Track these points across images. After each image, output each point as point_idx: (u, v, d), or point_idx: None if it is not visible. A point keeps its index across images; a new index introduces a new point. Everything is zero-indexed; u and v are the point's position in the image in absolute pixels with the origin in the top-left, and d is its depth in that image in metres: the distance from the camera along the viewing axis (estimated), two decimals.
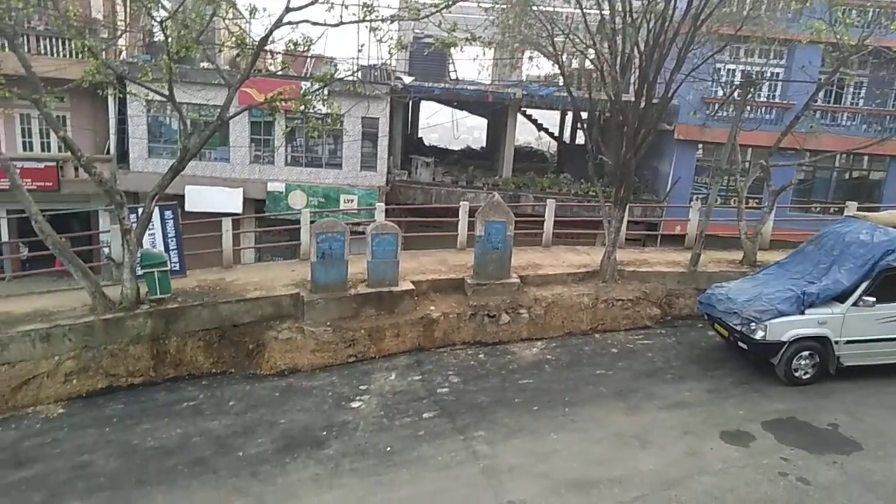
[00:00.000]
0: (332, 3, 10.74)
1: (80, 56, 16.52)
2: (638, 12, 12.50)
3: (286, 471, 8.18)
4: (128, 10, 18.98)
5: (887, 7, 15.32)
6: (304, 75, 19.52)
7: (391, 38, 11.50)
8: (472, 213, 14.06)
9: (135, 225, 11.14)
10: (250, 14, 11.22)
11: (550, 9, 14.94)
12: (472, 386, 10.35)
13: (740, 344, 10.43)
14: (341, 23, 10.89)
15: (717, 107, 17.57)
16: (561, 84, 18.32)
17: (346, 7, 10.86)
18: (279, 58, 19.31)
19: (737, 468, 8.07)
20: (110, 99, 18.44)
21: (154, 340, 10.86)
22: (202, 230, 14.25)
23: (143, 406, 9.91)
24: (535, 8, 14.03)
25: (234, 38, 11.57)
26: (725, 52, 17.14)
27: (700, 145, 21.20)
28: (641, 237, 19.03)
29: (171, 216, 12.76)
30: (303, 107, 11.93)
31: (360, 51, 20.62)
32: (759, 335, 10.05)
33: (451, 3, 10.94)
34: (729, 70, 20.71)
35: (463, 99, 23.25)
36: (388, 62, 19.40)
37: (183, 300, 11.38)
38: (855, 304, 10.02)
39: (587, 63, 17.39)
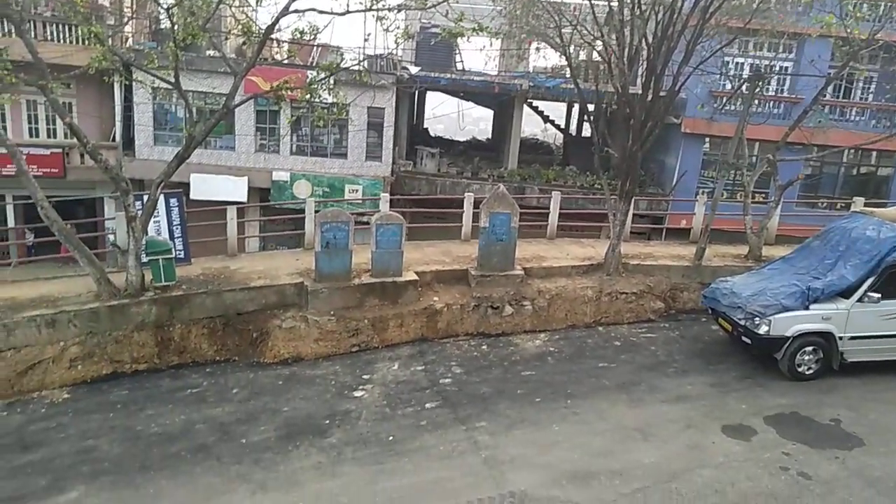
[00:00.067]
0: None
1: (86, 42, 16.49)
2: (646, 4, 12.41)
3: (289, 458, 8.23)
4: None
5: None
6: (311, 64, 19.48)
7: (398, 28, 11.45)
8: (476, 204, 14.04)
9: (140, 212, 11.16)
10: (256, 2, 11.18)
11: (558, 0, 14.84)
12: (475, 377, 10.38)
13: (744, 338, 10.42)
14: (348, 11, 10.85)
15: (724, 100, 17.48)
16: (568, 76, 18.24)
17: None
18: (285, 46, 19.30)
19: (738, 462, 8.09)
20: (116, 86, 18.41)
21: (158, 327, 10.91)
22: (207, 218, 14.29)
23: (148, 392, 9.97)
24: None
25: (240, 26, 11.53)
26: (734, 46, 17.02)
27: (707, 139, 21.09)
28: (646, 231, 18.98)
29: (177, 204, 12.79)
30: (308, 96, 11.90)
31: (366, 40, 20.49)
32: (762, 330, 10.03)
33: None
34: (737, 63, 20.55)
35: (469, 90, 23.16)
36: (395, 52, 19.33)
37: (187, 288, 11.42)
38: (860, 300, 9.99)
39: (594, 55, 17.32)
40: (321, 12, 10.75)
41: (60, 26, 18.68)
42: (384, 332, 11.57)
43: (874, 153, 21.40)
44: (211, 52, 18.54)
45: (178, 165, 11.10)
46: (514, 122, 22.75)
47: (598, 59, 15.74)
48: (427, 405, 9.48)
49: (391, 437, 8.65)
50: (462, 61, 23.55)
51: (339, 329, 11.34)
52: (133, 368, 10.59)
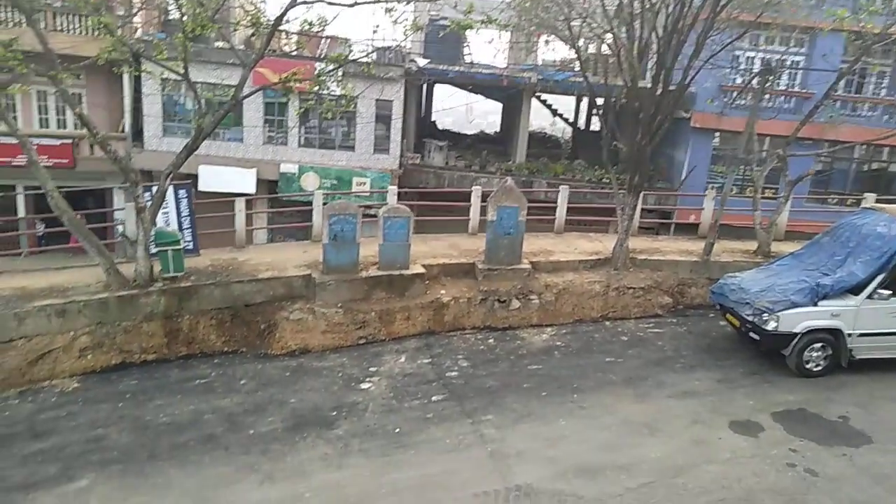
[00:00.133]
0: None
1: (96, 33, 16.53)
2: None
3: (296, 449, 8.28)
4: None
5: None
6: (319, 56, 19.46)
7: (406, 20, 11.42)
8: (484, 198, 14.02)
9: (149, 203, 11.21)
10: None
11: None
12: (482, 370, 10.39)
13: (752, 334, 10.39)
14: (356, 3, 10.82)
15: (735, 95, 17.36)
16: (577, 69, 18.14)
17: None
18: (294, 38, 19.29)
19: (745, 458, 8.08)
20: (126, 77, 18.48)
21: (167, 318, 10.97)
22: (215, 210, 14.31)
23: (157, 382, 10.04)
24: None
25: (248, 18, 11.52)
26: (745, 40, 16.87)
27: (717, 133, 20.96)
28: (655, 225, 18.91)
29: (185, 195, 12.84)
30: (317, 87, 11.90)
31: (375, 32, 20.45)
32: (770, 326, 10.00)
33: None
34: (748, 58, 20.40)
35: (478, 83, 23.09)
36: (403, 44, 19.27)
37: (196, 279, 11.48)
38: (870, 296, 9.93)
39: (604, 48, 17.21)
40: (330, 3, 10.73)
41: (70, 16, 18.73)
42: (391, 324, 11.59)
43: (886, 149, 21.22)
44: (220, 44, 18.58)
45: (186, 157, 11.13)
46: (522, 115, 22.68)
47: (608, 52, 15.63)
48: (433, 398, 9.51)
49: (398, 430, 8.69)
50: (471, 54, 23.50)
51: (346, 321, 11.37)
52: (142, 358, 10.66)
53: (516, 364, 10.64)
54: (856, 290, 10.02)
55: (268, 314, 11.43)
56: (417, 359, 10.77)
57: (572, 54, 16.77)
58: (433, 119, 30.43)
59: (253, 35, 14.78)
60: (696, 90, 18.49)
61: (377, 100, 19.99)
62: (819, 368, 10.10)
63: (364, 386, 9.88)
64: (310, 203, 14.74)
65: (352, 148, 20.92)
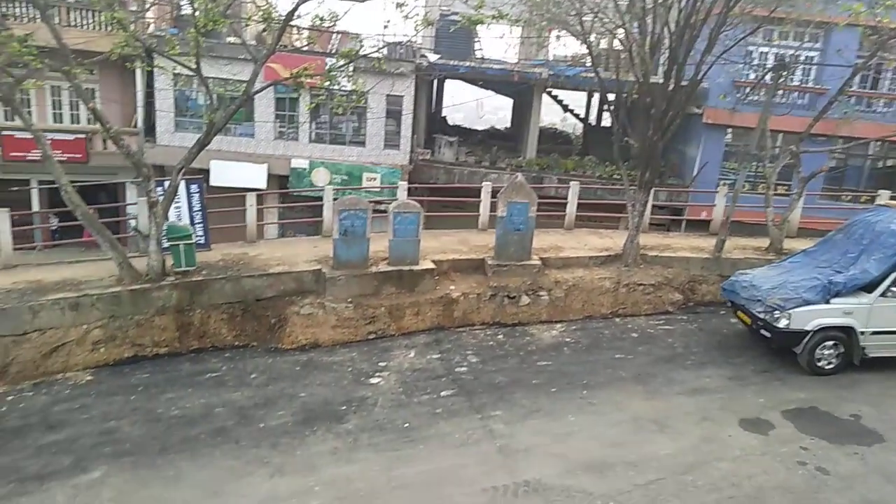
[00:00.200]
0: None
1: (109, 28, 16.64)
2: None
3: (306, 443, 8.33)
4: None
5: None
6: (330, 51, 19.48)
7: (417, 15, 11.40)
8: (494, 193, 14.01)
9: (161, 198, 11.28)
10: None
11: None
12: (491, 366, 10.40)
13: (763, 332, 10.33)
14: None
15: (748, 90, 17.21)
16: (588, 65, 18.06)
17: None
18: (305, 33, 19.32)
19: (755, 456, 8.05)
20: (138, 72, 18.57)
21: (179, 312, 11.06)
22: (227, 205, 14.41)
23: (168, 376, 10.13)
24: None
25: (260, 13, 11.55)
26: (758, 35, 16.73)
27: (729, 129, 20.80)
28: (666, 222, 18.82)
29: (197, 190, 12.92)
30: (328, 83, 11.91)
31: (385, 27, 20.42)
32: (782, 323, 9.93)
33: None
34: (761, 53, 20.21)
35: (488, 78, 23.02)
36: (414, 39, 19.25)
37: (207, 273, 11.55)
38: (883, 294, 9.85)
39: (616, 43, 17.13)
40: None
41: (84, 12, 18.86)
42: (401, 319, 11.62)
43: None
44: (231, 39, 18.63)
45: (198, 152, 11.19)
46: (533, 111, 22.61)
47: (620, 47, 15.55)
48: (443, 393, 9.54)
49: (407, 424, 8.72)
50: (481, 49, 23.42)
51: (356, 316, 11.41)
52: (154, 352, 10.76)
53: (525, 360, 10.64)
54: (869, 287, 9.93)
55: (278, 309, 11.49)
56: (427, 354, 10.80)
57: (584, 50, 16.69)
58: (443, 115, 30.39)
59: (264, 30, 14.84)
60: (709, 86, 18.34)
61: (388, 95, 19.99)
62: (831, 366, 10.04)
63: (373, 381, 9.92)
64: (320, 198, 14.79)
65: (362, 143, 20.95)
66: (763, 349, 10.78)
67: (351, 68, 11.95)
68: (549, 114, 29.89)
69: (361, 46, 13.58)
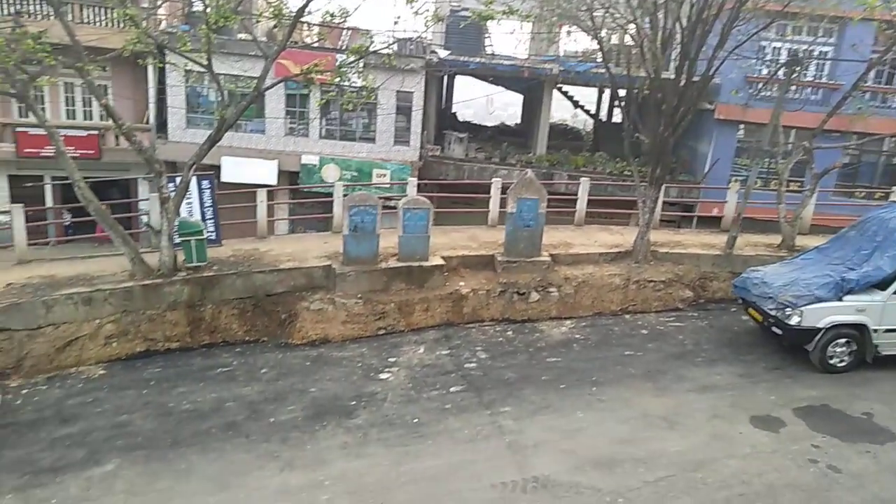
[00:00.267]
0: None
1: (121, 25, 16.74)
2: None
3: (315, 438, 8.38)
4: None
5: None
6: (340, 48, 19.51)
7: (427, 11, 11.39)
8: (504, 189, 13.99)
9: (173, 194, 11.35)
10: None
11: None
12: (500, 362, 10.41)
13: (774, 329, 10.26)
14: None
15: (760, 86, 17.07)
16: (599, 60, 17.97)
17: None
18: (315, 29, 19.35)
19: (766, 453, 8.01)
20: (150, 69, 18.68)
21: (190, 307, 11.14)
22: (237, 201, 14.48)
23: (180, 370, 10.21)
24: None
25: (271, 9, 11.59)
26: (771, 30, 16.58)
27: (741, 125, 20.64)
28: (676, 218, 18.72)
29: (208, 186, 12.99)
30: (338, 79, 11.93)
31: (396, 23, 20.41)
32: (794, 321, 9.87)
33: None
34: (774, 48, 20.03)
35: (498, 74, 22.98)
36: (424, 35, 19.23)
37: (218, 269, 11.62)
38: None
39: (627, 39, 17.02)
40: None
41: (96, 9, 18.98)
42: (410, 315, 11.65)
43: None
44: (242, 36, 18.69)
45: (209, 148, 11.25)
46: (543, 107, 22.55)
47: (631, 42, 15.46)
48: (452, 389, 9.56)
49: (416, 420, 8.74)
50: (492, 45, 23.36)
51: (365, 312, 11.45)
52: (166, 347, 10.85)
53: (535, 356, 10.63)
54: (882, 285, 9.85)
55: (288, 304, 11.55)
56: (436, 350, 10.82)
57: (594, 45, 16.59)
58: (453, 111, 30.37)
59: (275, 27, 14.86)
60: (721, 81, 18.21)
61: (398, 91, 20.00)
62: (843, 364, 9.96)
63: (383, 376, 9.95)
64: (330, 194, 14.83)
65: (372, 140, 20.98)
66: (774, 346, 10.71)
67: (361, 64, 11.95)
68: (559, 110, 29.79)
69: (371, 42, 13.55)
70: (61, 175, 14.59)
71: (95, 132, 19.49)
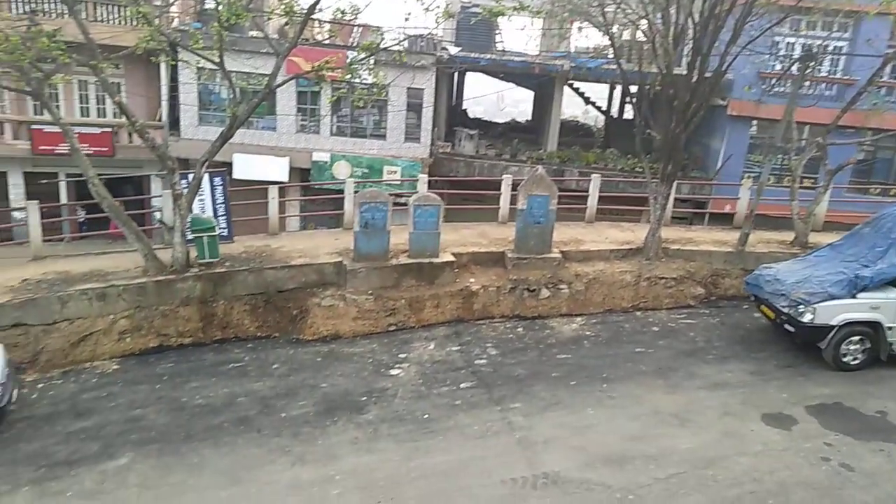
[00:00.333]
0: None
1: (134, 23, 16.86)
2: None
3: (326, 433, 8.42)
4: None
5: None
6: (351, 45, 19.54)
7: (438, 7, 11.39)
8: (515, 186, 13.97)
9: (185, 190, 11.44)
10: None
11: None
12: (510, 359, 10.41)
13: (787, 326, 10.19)
14: None
15: (773, 82, 16.91)
16: (610, 56, 17.90)
17: None
18: (326, 26, 19.39)
19: (777, 451, 7.97)
20: (163, 66, 18.81)
21: (203, 303, 11.22)
22: (249, 197, 14.56)
23: (192, 365, 10.30)
24: None
25: (282, 6, 11.63)
26: (785, 24, 16.41)
27: (754, 121, 20.48)
28: (688, 215, 18.62)
29: (220, 183, 13.07)
30: (349, 76, 11.96)
31: (406, 20, 20.43)
32: (807, 318, 9.79)
33: None
34: (788, 43, 19.84)
35: (509, 70, 22.92)
36: (435, 32, 19.23)
37: (230, 265, 11.70)
38: None
39: (638, 34, 16.93)
40: None
41: (110, 7, 19.14)
42: (420, 312, 11.67)
43: None
44: (254, 33, 18.77)
45: (221, 145, 11.32)
46: (554, 103, 22.48)
47: (642, 38, 15.38)
48: (462, 385, 9.57)
49: (426, 416, 8.77)
50: (502, 41, 23.30)
51: (376, 308, 11.49)
52: (178, 342, 10.94)
53: (545, 353, 10.63)
54: None
55: (300, 300, 11.61)
56: (446, 346, 10.84)
57: (606, 41, 16.52)
58: (464, 107, 30.34)
59: (286, 24, 14.92)
60: (734, 77, 18.06)
61: (408, 88, 20.02)
62: (857, 362, 9.88)
63: (394, 372, 9.99)
64: (341, 191, 14.89)
65: (383, 136, 21.02)
66: (787, 344, 10.64)
67: (372, 61, 12.00)
68: (570, 106, 29.65)
69: (382, 39, 13.58)
70: (76, 172, 14.71)
71: (109, 129, 19.66)
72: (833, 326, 9.72)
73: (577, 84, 26.21)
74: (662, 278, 12.65)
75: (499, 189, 15.03)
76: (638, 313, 12.20)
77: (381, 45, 12.63)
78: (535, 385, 9.54)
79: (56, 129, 12.33)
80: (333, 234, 14.18)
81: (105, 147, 19.54)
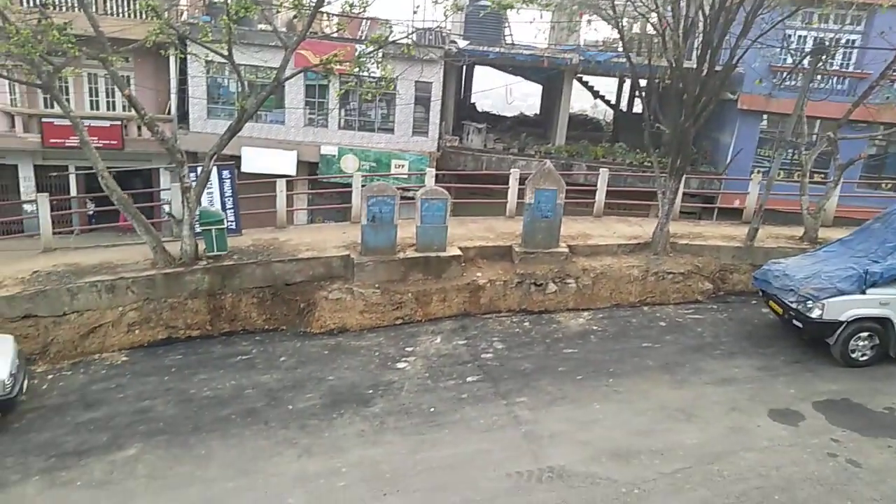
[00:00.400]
0: None
1: (143, 16, 16.91)
2: None
3: (333, 425, 8.47)
4: None
5: None
6: (359, 38, 19.51)
7: (447, 0, 11.34)
8: (522, 180, 13.93)
9: (194, 183, 11.49)
10: None
11: None
12: (517, 353, 10.42)
13: (795, 322, 10.15)
14: None
15: (785, 75, 16.77)
16: (620, 50, 17.80)
17: None
18: (335, 20, 19.38)
19: (784, 446, 7.95)
20: (172, 59, 18.85)
21: (211, 295, 11.29)
22: (257, 191, 14.61)
23: (200, 358, 10.37)
24: None
25: (291, 0, 11.63)
26: (797, 17, 16.26)
27: (765, 116, 20.30)
28: (697, 210, 18.53)
29: (229, 176, 13.11)
30: (357, 69, 11.95)
31: (415, 13, 20.36)
32: (815, 314, 9.74)
33: None
34: (800, 36, 19.65)
35: (518, 64, 22.80)
36: (443, 25, 19.16)
37: (238, 258, 11.76)
38: None
39: (648, 27, 16.83)
40: None
41: (119, 0, 19.18)
42: (427, 305, 11.69)
43: None
44: (262, 26, 18.78)
45: (230, 138, 11.36)
46: (563, 97, 22.35)
47: (652, 31, 15.29)
48: (468, 379, 9.59)
49: (432, 409, 8.80)
50: (511, 35, 23.19)
51: (383, 302, 11.51)
52: (187, 334, 11.02)
53: (551, 347, 10.63)
54: None
55: (307, 293, 11.66)
56: (453, 340, 10.86)
57: (615, 34, 16.44)
58: (472, 101, 30.25)
59: (295, 17, 14.94)
60: (744, 70, 17.90)
61: (416, 82, 19.95)
62: (865, 358, 9.82)
63: (400, 365, 10.02)
64: (349, 185, 14.91)
65: (391, 130, 20.99)
66: (795, 340, 10.59)
67: (380, 54, 11.96)
68: (579, 100, 29.49)
69: (391, 32, 13.57)
70: (85, 165, 14.84)
71: (118, 122, 19.74)
72: (842, 322, 9.67)
73: (585, 78, 26.05)
74: (670, 273, 12.60)
75: (506, 183, 15.00)
76: (645, 308, 12.17)
77: (390, 39, 12.61)
78: (542, 379, 9.55)
79: (66, 122, 12.40)
80: (341, 227, 14.21)
81: (114, 140, 19.62)
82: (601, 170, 15.72)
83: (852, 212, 15.39)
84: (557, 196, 12.44)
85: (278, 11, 14.89)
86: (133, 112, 11.32)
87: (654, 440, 8.06)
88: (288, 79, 11.83)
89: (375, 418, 8.61)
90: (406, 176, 20.08)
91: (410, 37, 14.48)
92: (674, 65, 12.52)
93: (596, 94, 28.40)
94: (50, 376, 9.82)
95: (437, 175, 15.57)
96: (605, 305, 12.18)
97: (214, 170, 12.25)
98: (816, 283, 9.96)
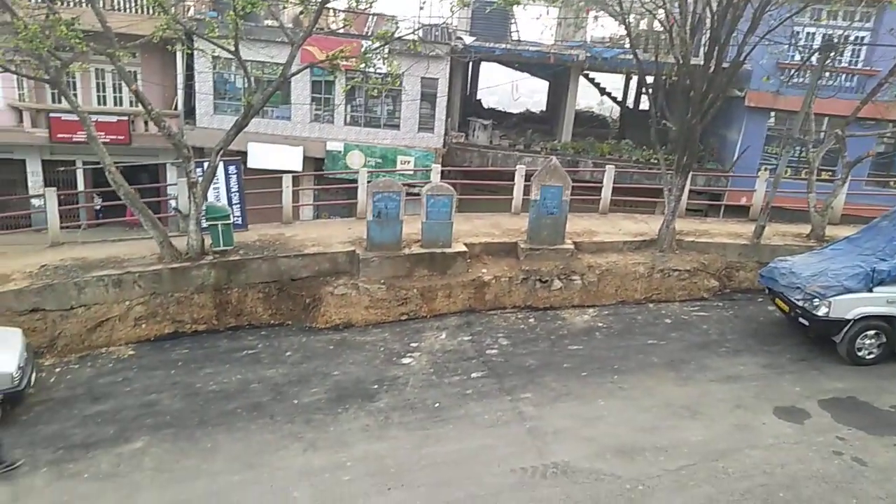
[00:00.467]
0: None
1: (151, 12, 16.95)
2: None
3: (338, 420, 8.51)
4: None
5: None
6: (366, 34, 19.51)
7: None
8: (528, 177, 13.92)
9: (200, 179, 11.53)
10: None
11: None
12: (522, 349, 10.43)
13: (801, 320, 10.12)
14: None
15: (792, 72, 16.68)
16: (627, 46, 17.73)
17: None
18: (341, 15, 19.38)
19: (789, 444, 7.94)
20: (178, 55, 18.88)
21: (217, 290, 11.34)
22: (263, 186, 14.64)
23: (206, 352, 10.43)
24: None
25: None
26: (805, 14, 16.16)
27: (772, 113, 20.20)
28: (703, 207, 18.46)
29: (235, 171, 13.15)
30: (363, 65, 11.96)
31: (421, 9, 20.34)
32: (821, 312, 9.71)
33: None
34: (808, 33, 19.53)
35: (524, 60, 22.74)
36: (450, 21, 19.13)
37: (244, 253, 11.80)
38: None
39: (655, 24, 16.76)
40: None
41: None
42: (432, 301, 11.71)
43: None
44: (269, 22, 18.78)
45: (236, 134, 11.39)
46: (569, 93, 22.29)
47: (659, 28, 15.23)
48: (473, 375, 9.61)
49: (437, 404, 8.82)
50: (517, 31, 23.13)
51: (388, 297, 11.54)
52: (193, 329, 11.07)
53: (556, 344, 10.63)
54: None
55: (313, 289, 11.69)
56: (458, 336, 10.87)
57: (622, 30, 16.38)
58: (478, 97, 30.21)
59: (301, 13, 14.93)
60: (752, 67, 17.82)
61: (422, 78, 19.94)
62: (872, 356, 9.79)
63: (405, 361, 10.04)
64: (355, 181, 14.91)
65: (397, 126, 20.99)
66: (801, 338, 10.56)
67: (386, 50, 11.97)
68: (585, 97, 29.42)
69: (397, 28, 13.55)
70: (93, 160, 14.90)
71: (125, 118, 19.80)
72: (848, 320, 9.64)
73: (592, 74, 25.95)
74: (676, 270, 12.58)
75: (512, 179, 14.99)
76: (651, 305, 12.16)
77: (396, 35, 12.60)
78: (546, 375, 9.56)
79: (74, 117, 12.45)
80: (346, 223, 14.24)
81: (121, 135, 19.69)
82: (607, 166, 15.70)
83: (860, 210, 15.33)
84: (563, 193, 12.43)
85: (285, 7, 14.93)
86: (140, 107, 11.35)
87: (659, 437, 8.06)
88: (294, 75, 11.85)
89: (380, 413, 8.64)
90: (412, 172, 20.07)
91: (416, 33, 14.45)
92: (681, 61, 12.48)
93: (602, 91, 28.30)
94: (57, 369, 9.89)
95: (442, 171, 15.57)
96: (611, 302, 12.17)
97: (221, 165, 12.28)
98: (823, 281, 9.93)
